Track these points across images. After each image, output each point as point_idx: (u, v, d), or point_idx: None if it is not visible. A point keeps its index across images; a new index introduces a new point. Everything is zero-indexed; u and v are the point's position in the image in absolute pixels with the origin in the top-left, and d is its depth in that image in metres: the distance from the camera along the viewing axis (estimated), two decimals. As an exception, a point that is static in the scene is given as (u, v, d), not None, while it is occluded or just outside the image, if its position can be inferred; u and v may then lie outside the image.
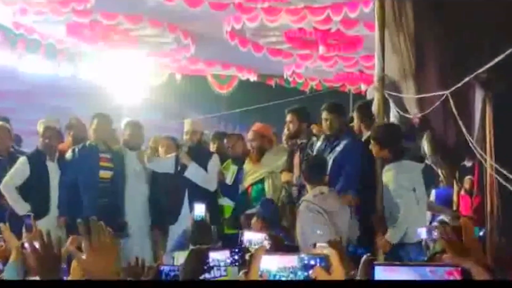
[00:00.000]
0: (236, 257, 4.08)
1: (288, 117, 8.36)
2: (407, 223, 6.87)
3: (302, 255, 2.45)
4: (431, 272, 2.33)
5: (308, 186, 7.11)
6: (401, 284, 2.31)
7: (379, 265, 2.40)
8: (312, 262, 2.40)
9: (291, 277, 2.41)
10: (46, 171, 8.58)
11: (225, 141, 9.37)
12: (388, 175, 7.08)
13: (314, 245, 4.99)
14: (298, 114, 8.37)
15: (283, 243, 5.25)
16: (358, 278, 2.60)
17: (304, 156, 8.07)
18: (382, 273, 2.37)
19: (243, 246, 4.62)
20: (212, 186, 8.71)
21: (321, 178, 7.08)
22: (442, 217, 8.46)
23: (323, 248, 4.19)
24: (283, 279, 2.41)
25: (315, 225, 6.82)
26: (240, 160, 8.92)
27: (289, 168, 8.29)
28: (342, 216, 6.97)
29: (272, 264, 2.44)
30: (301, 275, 2.39)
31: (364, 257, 3.04)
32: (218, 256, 4.05)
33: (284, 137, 8.70)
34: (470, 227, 3.16)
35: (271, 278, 2.41)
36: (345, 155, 7.52)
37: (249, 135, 8.83)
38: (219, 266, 4.02)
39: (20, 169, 8.53)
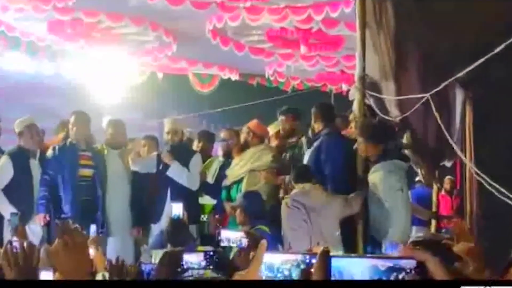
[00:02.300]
0: (210, 259, 4.09)
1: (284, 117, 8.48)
2: (397, 224, 6.86)
3: (305, 255, 2.58)
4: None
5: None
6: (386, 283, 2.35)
7: (336, 257, 2.45)
8: (314, 261, 2.59)
9: (293, 270, 2.51)
10: (29, 170, 8.52)
11: (221, 134, 9.42)
12: (376, 176, 7.04)
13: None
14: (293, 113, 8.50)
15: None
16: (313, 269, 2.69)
17: (292, 156, 8.16)
18: (338, 264, 2.43)
19: (219, 246, 4.63)
20: (194, 185, 8.72)
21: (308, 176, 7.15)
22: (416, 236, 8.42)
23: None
24: (286, 272, 2.51)
25: (293, 220, 6.86)
26: (231, 155, 8.96)
27: (276, 167, 8.35)
28: (326, 214, 6.97)
29: (276, 259, 2.54)
30: (302, 267, 2.52)
31: (322, 248, 3.09)
32: (192, 259, 4.06)
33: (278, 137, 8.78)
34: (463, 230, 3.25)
35: (275, 271, 2.51)
36: (320, 149, 7.56)
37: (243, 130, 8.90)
38: (194, 268, 4.03)
39: (4, 170, 8.45)
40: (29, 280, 3.16)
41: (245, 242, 4.60)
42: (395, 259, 2.44)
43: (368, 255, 2.94)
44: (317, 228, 6.86)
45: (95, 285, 3.01)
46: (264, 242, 2.97)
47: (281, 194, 7.94)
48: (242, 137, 8.78)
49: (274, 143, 8.81)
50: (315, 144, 7.66)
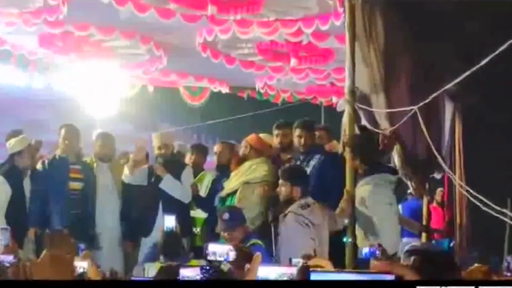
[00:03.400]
0: (207, 274, 4.09)
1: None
2: (385, 238, 6.83)
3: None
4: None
5: (293, 191, 7.09)
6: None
7: (314, 272, 2.47)
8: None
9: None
10: (23, 189, 8.46)
11: (214, 148, 9.41)
12: (364, 189, 7.00)
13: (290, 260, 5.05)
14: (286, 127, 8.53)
15: (251, 254, 5.26)
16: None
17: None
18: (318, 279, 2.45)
19: (210, 260, 4.63)
20: (186, 198, 8.72)
21: (304, 181, 7.13)
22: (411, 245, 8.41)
23: (320, 259, 4.26)
24: None
25: (303, 237, 6.84)
26: (224, 168, 8.97)
27: (272, 181, 8.37)
28: (325, 230, 7.02)
29: (271, 272, 2.57)
30: None
31: (300, 264, 3.12)
32: (188, 273, 4.07)
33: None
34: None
35: None
36: (322, 170, 7.60)
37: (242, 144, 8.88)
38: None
39: (2, 192, 8.35)
40: (27, 280, 3.15)
41: (232, 255, 4.61)
42: (374, 274, 2.46)
43: (346, 270, 2.96)
44: (320, 245, 6.89)
45: (93, 285, 3.00)
46: (258, 254, 2.99)
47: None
48: (241, 151, 8.79)
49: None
50: (312, 163, 7.70)
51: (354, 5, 7.37)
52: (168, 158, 8.77)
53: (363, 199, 6.96)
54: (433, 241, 8.51)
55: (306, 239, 6.84)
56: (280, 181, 7.16)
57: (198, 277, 4.02)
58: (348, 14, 7.45)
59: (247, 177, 8.47)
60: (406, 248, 4.91)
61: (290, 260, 5.15)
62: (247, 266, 3.86)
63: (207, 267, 4.09)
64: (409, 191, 8.58)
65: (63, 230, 2.91)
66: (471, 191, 5.61)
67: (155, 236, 7.96)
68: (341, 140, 7.79)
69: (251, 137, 8.81)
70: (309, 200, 7.01)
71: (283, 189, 7.11)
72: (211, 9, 9.14)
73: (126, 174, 8.75)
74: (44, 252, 2.85)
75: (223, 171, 8.97)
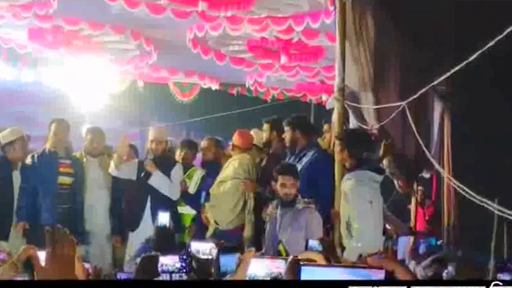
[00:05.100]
0: (184, 263, 4.15)
1: (264, 127, 8.57)
2: (363, 235, 6.83)
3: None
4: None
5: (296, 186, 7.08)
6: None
7: (305, 265, 2.49)
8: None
9: None
10: (12, 182, 8.45)
11: (201, 143, 9.45)
12: (348, 184, 6.99)
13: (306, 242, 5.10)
14: (272, 124, 8.56)
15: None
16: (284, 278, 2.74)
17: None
18: (308, 273, 2.47)
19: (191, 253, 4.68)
20: (175, 194, 8.72)
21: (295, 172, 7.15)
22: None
23: (312, 253, 4.29)
24: None
25: (321, 227, 6.91)
26: (211, 164, 9.00)
27: (244, 177, 8.40)
28: None
29: (260, 270, 2.59)
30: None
31: (290, 257, 3.13)
32: (167, 261, 4.13)
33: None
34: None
35: None
36: (315, 166, 7.60)
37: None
38: (168, 271, 4.10)
39: None
40: (28, 280, 3.13)
41: (215, 253, 4.67)
42: (365, 269, 2.47)
43: (336, 265, 2.97)
44: None
45: (90, 284, 3.00)
46: (252, 249, 3.00)
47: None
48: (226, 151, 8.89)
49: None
50: (305, 159, 7.70)
51: (345, 3, 7.39)
52: (159, 155, 8.75)
53: (346, 194, 6.96)
54: (422, 240, 8.51)
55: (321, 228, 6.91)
56: (284, 176, 7.06)
57: (177, 265, 4.09)
58: (338, 13, 7.47)
59: (220, 176, 8.54)
60: (433, 257, 4.89)
61: (307, 241, 5.18)
62: (238, 255, 3.89)
63: (185, 256, 4.16)
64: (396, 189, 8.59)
65: (64, 229, 2.82)
66: (458, 184, 5.62)
67: (145, 230, 7.96)
68: (332, 137, 7.81)
69: (234, 135, 8.82)
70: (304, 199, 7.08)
71: (287, 184, 7.04)
72: (201, 5, 9.15)
73: (112, 168, 8.73)
74: (22, 248, 2.81)
75: (209, 167, 8.99)
